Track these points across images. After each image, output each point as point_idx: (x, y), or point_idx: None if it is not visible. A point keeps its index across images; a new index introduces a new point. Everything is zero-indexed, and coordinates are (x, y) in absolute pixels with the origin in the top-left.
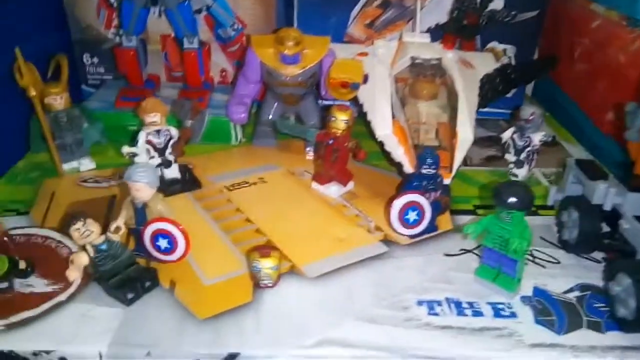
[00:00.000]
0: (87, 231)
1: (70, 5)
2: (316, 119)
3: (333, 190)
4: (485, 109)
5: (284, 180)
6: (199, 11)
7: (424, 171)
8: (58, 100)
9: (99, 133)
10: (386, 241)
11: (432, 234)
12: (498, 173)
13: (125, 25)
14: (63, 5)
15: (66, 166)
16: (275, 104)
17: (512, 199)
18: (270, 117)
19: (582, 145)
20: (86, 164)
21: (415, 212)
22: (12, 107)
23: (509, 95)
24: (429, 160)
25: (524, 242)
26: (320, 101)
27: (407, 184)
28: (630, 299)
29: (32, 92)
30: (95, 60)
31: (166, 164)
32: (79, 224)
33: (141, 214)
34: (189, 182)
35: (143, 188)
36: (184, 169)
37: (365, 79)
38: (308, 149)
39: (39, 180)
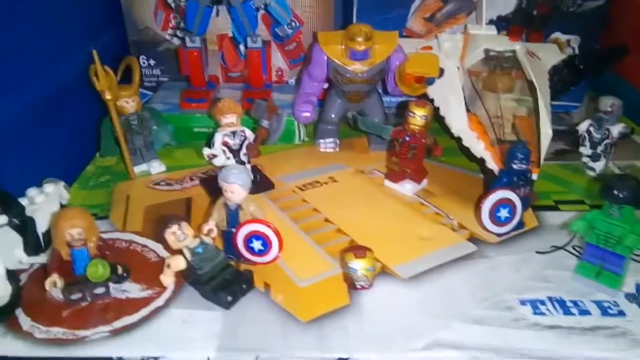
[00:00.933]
0: (183, 234)
1: (128, 7)
2: (381, 116)
3: (408, 188)
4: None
5: (354, 179)
6: (256, 9)
7: (515, 166)
8: (130, 103)
9: (169, 135)
10: (473, 239)
11: (519, 231)
12: (571, 167)
13: (190, 25)
14: (120, 7)
15: (136, 169)
16: (339, 101)
17: (624, 193)
18: (333, 115)
19: None
20: (156, 167)
21: (507, 210)
22: (82, 110)
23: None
24: (520, 155)
25: (632, 240)
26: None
27: (496, 180)
28: None
29: (108, 96)
30: (152, 62)
31: (241, 165)
32: (174, 227)
33: (234, 216)
34: (261, 183)
35: (238, 190)
36: (255, 170)
37: (441, 73)
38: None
39: (109, 184)
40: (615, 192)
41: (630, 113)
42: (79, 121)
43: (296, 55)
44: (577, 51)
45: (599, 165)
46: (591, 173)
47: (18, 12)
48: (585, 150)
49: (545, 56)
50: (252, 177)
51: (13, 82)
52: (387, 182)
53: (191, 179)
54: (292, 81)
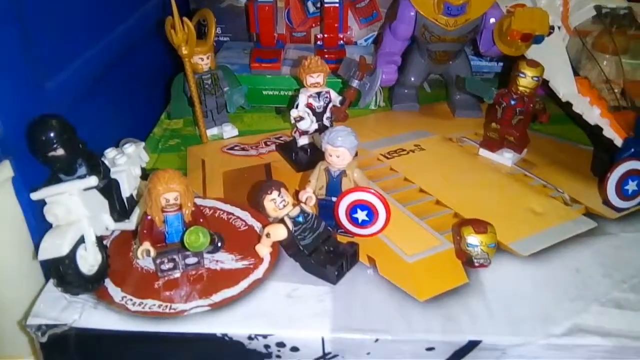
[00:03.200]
0: (284, 201)
1: None
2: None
3: (507, 157)
4: None
5: (443, 147)
6: None
7: None
8: (205, 60)
9: (242, 97)
10: (589, 215)
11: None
12: None
13: None
14: None
15: (209, 133)
16: (422, 62)
17: None
18: (414, 78)
19: None
20: (229, 131)
21: (636, 182)
22: (150, 66)
23: None
24: None
25: None
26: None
27: (623, 150)
28: None
29: (185, 51)
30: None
31: (323, 129)
32: (274, 194)
33: (336, 184)
34: None
35: (344, 154)
36: None
37: (552, 30)
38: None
39: (180, 148)
40: None
41: None
42: (148, 79)
43: (369, 14)
44: None
45: None
46: None
47: None
48: None
49: None
50: (358, 139)
51: (81, 37)
52: (483, 151)
53: (266, 144)
54: (361, 42)
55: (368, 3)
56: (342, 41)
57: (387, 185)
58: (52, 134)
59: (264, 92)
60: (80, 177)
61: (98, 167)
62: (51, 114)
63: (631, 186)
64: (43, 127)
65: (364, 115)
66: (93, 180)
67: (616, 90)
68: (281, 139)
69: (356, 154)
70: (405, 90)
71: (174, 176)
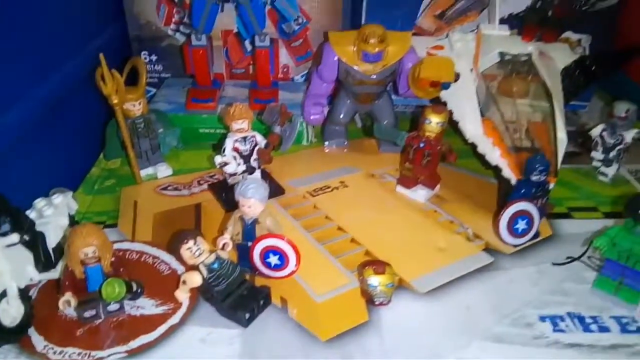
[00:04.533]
0: (199, 250)
1: (129, 1)
2: (392, 118)
3: (421, 194)
4: None
5: (366, 184)
6: (263, 5)
7: (533, 178)
8: (136, 106)
9: (176, 138)
10: (489, 250)
11: (535, 241)
12: (582, 171)
13: (196, 22)
14: (121, 0)
15: (142, 172)
16: (348, 102)
17: None
18: (342, 116)
19: None
20: (163, 171)
21: (525, 221)
22: (86, 112)
23: None
24: (539, 167)
25: None
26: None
27: (514, 192)
28: None
29: (115, 100)
30: (154, 57)
31: (250, 170)
32: (190, 243)
33: (250, 230)
34: (271, 188)
35: (255, 204)
36: (264, 175)
37: (457, 77)
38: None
39: (115, 189)
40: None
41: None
42: (84, 124)
43: (302, 52)
44: (587, 51)
45: (611, 171)
46: (603, 178)
47: (17, 12)
48: (598, 155)
49: (557, 56)
50: (268, 190)
51: (15, 85)
52: (400, 188)
53: (199, 183)
54: (297, 78)
55: (302, 43)
56: (276, 80)
57: (308, 223)
58: None
59: (200, 130)
60: (3, 234)
61: (21, 223)
62: None
63: (521, 225)
64: None
65: (297, 151)
66: (15, 237)
67: (518, 133)
68: (214, 177)
69: (283, 191)
70: (336, 127)
71: (91, 231)
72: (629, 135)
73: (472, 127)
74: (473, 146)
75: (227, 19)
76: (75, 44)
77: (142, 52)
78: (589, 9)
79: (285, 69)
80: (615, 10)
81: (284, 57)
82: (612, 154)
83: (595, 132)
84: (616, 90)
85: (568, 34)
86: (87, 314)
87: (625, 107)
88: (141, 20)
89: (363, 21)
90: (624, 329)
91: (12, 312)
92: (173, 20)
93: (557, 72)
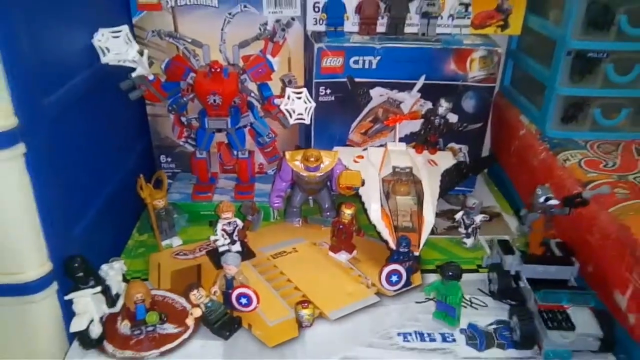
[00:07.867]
0: (200, 295)
1: (153, 124)
2: (329, 203)
3: (342, 257)
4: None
5: (310, 250)
6: (245, 126)
7: (401, 250)
8: (161, 202)
9: (184, 221)
10: (378, 294)
11: (408, 288)
12: (455, 241)
13: (199, 143)
14: (148, 124)
15: (163, 243)
16: (301, 193)
17: (450, 273)
18: (297, 202)
19: (516, 217)
20: (176, 242)
21: (396, 276)
22: (128, 206)
23: None
24: (403, 244)
25: (457, 299)
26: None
27: (390, 257)
28: (518, 330)
29: (148, 200)
30: (169, 159)
31: (233, 243)
32: (194, 291)
33: (230, 283)
34: (247, 253)
35: (232, 268)
36: (242, 243)
37: (363, 183)
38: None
39: (145, 255)
40: (445, 272)
41: (506, 195)
42: (126, 214)
43: (272, 155)
44: (466, 156)
45: (470, 241)
46: (465, 246)
47: (88, 141)
48: (462, 230)
49: (441, 161)
50: (240, 258)
51: (89, 188)
52: (330, 253)
53: (200, 250)
54: (270, 172)
55: (272, 150)
56: (253, 176)
57: (269, 277)
58: (80, 274)
59: (202, 212)
60: (91, 287)
61: (98, 279)
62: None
63: (394, 278)
64: (71, 264)
65: (266, 226)
66: (98, 288)
67: (403, 217)
68: (210, 246)
69: (254, 255)
70: (293, 209)
71: (139, 284)
72: (477, 219)
73: (374, 215)
74: (374, 226)
75: (220, 137)
76: (123, 156)
77: (161, 155)
78: (463, 130)
79: (261, 166)
80: (483, 130)
81: (261, 158)
82: (470, 230)
83: (458, 216)
84: (497, 180)
85: (452, 144)
86: (136, 332)
87: (472, 200)
88: (161, 135)
89: (312, 137)
90: (444, 340)
91: (96, 331)
92: (183, 136)
93: (439, 172)
